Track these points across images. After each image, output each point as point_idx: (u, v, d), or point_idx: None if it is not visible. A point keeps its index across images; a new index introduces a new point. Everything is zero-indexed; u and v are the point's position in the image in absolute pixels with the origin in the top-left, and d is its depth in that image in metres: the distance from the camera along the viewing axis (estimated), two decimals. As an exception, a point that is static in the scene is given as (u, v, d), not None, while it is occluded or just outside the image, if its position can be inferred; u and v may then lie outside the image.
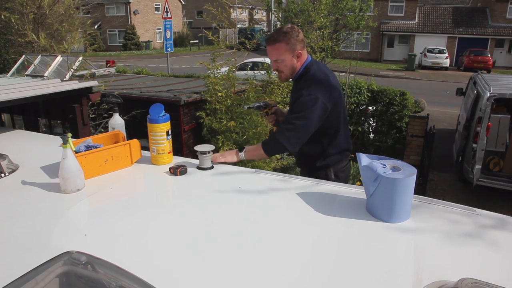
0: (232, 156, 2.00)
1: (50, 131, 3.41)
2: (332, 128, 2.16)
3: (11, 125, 3.50)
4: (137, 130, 2.42)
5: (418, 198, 1.45)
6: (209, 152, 1.79)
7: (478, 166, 5.42)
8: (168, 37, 13.45)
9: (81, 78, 6.01)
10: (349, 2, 9.63)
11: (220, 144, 4.59)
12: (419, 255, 1.13)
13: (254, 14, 50.88)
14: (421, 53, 25.24)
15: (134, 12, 34.17)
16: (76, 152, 1.68)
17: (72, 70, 6.45)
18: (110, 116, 2.14)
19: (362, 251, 1.16)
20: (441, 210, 1.40)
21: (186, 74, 10.22)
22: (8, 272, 0.89)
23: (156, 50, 33.12)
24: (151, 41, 35.36)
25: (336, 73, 2.69)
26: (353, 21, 10.15)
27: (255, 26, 35.51)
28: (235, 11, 43.12)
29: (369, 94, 7.70)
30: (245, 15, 49.13)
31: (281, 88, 5.54)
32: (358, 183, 4.85)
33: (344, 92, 6.72)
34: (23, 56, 7.13)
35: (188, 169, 1.76)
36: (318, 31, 8.32)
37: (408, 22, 27.81)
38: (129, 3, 33.82)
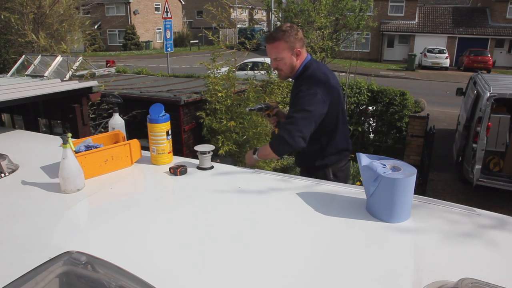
0: (250, 158, 2.14)
1: (50, 131, 3.41)
2: (331, 127, 2.16)
3: (11, 125, 3.50)
4: (137, 130, 2.42)
5: (418, 198, 1.45)
6: (209, 152, 1.79)
7: (478, 166, 5.42)
8: (168, 37, 13.45)
9: (81, 78, 6.01)
10: (349, 2, 9.62)
11: (220, 144, 4.58)
12: (419, 255, 1.13)
13: (254, 14, 50.88)
14: (421, 53, 25.24)
15: (134, 12, 34.17)
16: (76, 152, 1.68)
17: (72, 70, 6.45)
18: (110, 116, 2.14)
19: (362, 251, 1.15)
20: (441, 210, 1.40)
21: (186, 74, 10.22)
22: (8, 272, 0.89)
23: (156, 50, 33.12)
24: (151, 41, 35.37)
25: (336, 73, 2.70)
26: (353, 21, 10.15)
27: (255, 26, 35.52)
28: (235, 11, 43.12)
29: (369, 94, 7.70)
30: (245, 15, 49.13)
31: (281, 88, 5.54)
32: (358, 183, 4.85)
33: (344, 92, 6.72)
34: (23, 56, 7.14)
35: (188, 169, 1.76)
36: (318, 31, 8.31)
37: (408, 22, 27.81)
38: (129, 3, 33.82)
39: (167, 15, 13.26)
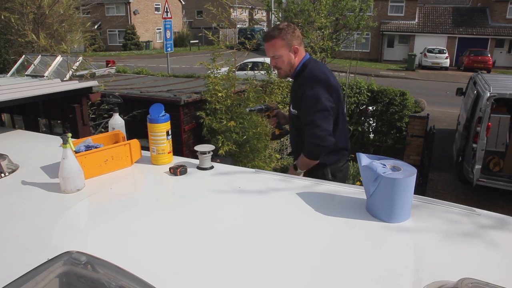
0: (291, 173, 2.16)
1: (50, 131, 3.41)
2: None
3: (11, 125, 3.50)
4: (137, 130, 2.42)
5: (418, 198, 1.45)
6: (209, 152, 1.79)
7: (478, 166, 5.42)
8: (168, 37, 13.45)
9: (81, 78, 6.01)
10: (349, 2, 9.62)
11: (220, 144, 4.59)
12: (419, 255, 1.13)
13: (254, 14, 50.88)
14: (421, 53, 25.24)
15: (134, 12, 34.17)
16: (76, 152, 1.68)
17: (72, 70, 6.44)
18: (110, 116, 2.14)
19: (362, 251, 1.15)
20: (441, 210, 1.40)
21: (186, 74, 10.23)
22: (8, 272, 0.89)
23: (156, 50, 33.12)
24: (151, 41, 35.36)
25: (336, 73, 2.71)
26: (353, 21, 10.15)
27: (255, 26, 35.51)
28: (235, 11, 43.12)
29: (369, 94, 7.71)
30: (245, 15, 49.13)
31: (281, 88, 5.54)
32: (358, 183, 4.85)
33: (344, 92, 6.72)
34: (23, 56, 7.13)
35: (188, 169, 1.76)
36: (318, 31, 8.31)
37: (408, 22, 27.81)
38: (129, 3, 33.82)
39: (167, 15, 13.26)
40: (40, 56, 6.86)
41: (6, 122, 3.42)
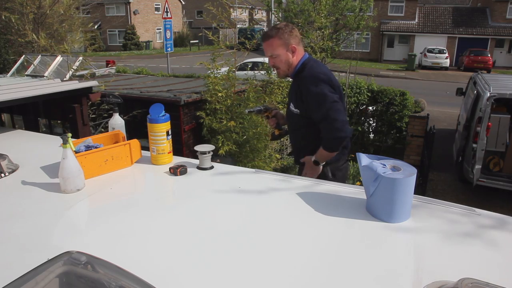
0: (313, 170, 2.16)
1: (50, 131, 3.41)
2: None
3: (11, 125, 3.50)
4: (137, 130, 2.42)
5: (418, 198, 1.45)
6: (209, 152, 1.79)
7: (478, 166, 5.42)
8: (168, 37, 13.45)
9: (81, 78, 6.01)
10: (349, 2, 9.63)
11: (220, 144, 4.59)
12: (419, 255, 1.13)
13: (254, 14, 50.88)
14: (421, 53, 25.24)
15: (134, 12, 34.17)
16: (76, 152, 1.68)
17: (72, 70, 6.44)
18: (110, 116, 2.14)
19: (362, 251, 1.15)
20: (441, 210, 1.40)
21: (186, 74, 10.22)
22: (8, 272, 0.89)
23: (156, 50, 33.12)
24: (151, 41, 35.36)
25: (336, 73, 2.71)
26: (353, 21, 10.16)
27: (255, 26, 35.52)
28: (235, 11, 43.12)
29: (369, 94, 7.71)
30: (245, 15, 49.13)
31: (281, 88, 5.54)
32: (358, 183, 4.85)
33: (344, 92, 6.72)
34: (23, 56, 7.12)
35: (188, 169, 1.76)
36: (318, 31, 8.32)
37: (408, 22, 27.81)
38: (129, 3, 33.82)
39: (167, 15, 13.26)
40: (40, 56, 6.86)
41: (6, 122, 3.42)
